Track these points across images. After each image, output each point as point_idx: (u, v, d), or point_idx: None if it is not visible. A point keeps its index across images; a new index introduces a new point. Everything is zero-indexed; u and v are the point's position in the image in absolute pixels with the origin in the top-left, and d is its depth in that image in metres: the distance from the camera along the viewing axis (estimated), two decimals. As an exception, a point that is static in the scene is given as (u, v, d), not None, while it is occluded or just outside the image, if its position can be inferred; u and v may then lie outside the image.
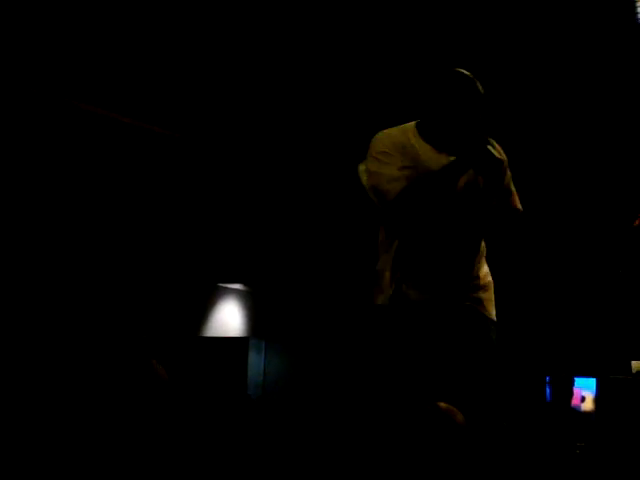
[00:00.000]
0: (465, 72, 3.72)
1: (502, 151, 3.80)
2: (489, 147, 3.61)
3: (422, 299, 3.73)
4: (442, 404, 3.46)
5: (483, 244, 3.89)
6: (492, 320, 3.81)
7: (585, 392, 6.86)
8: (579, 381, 6.77)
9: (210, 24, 8.04)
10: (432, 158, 3.70)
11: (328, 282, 10.31)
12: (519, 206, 3.86)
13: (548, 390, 6.29)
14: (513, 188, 3.86)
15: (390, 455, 3.48)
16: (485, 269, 3.88)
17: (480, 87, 3.70)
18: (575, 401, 6.39)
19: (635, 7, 8.74)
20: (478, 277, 3.82)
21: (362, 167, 3.78)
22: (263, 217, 10.13)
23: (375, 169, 3.73)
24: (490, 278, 3.88)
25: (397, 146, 3.72)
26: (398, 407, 3.73)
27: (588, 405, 6.80)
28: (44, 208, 8.26)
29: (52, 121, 8.22)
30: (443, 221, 3.74)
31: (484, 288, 3.84)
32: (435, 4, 7.78)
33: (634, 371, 6.41)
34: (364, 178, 3.77)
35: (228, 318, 10.91)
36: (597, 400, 6.38)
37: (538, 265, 9.24)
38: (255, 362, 10.00)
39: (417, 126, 3.78)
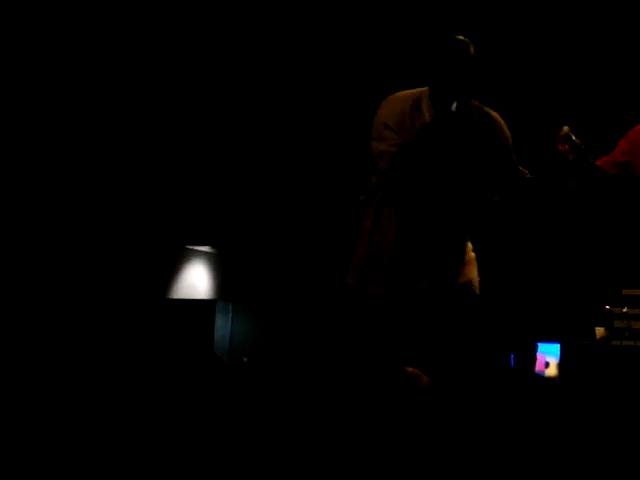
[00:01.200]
0: (457, 37, 3.72)
1: (505, 126, 3.85)
2: (483, 109, 3.63)
3: (425, 286, 3.77)
4: (409, 368, 3.49)
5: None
6: (477, 295, 3.85)
7: (549, 358, 6.93)
8: (543, 347, 6.85)
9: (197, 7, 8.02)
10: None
11: (297, 246, 10.32)
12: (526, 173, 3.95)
13: (512, 356, 6.35)
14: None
15: (356, 416, 3.51)
16: (470, 244, 3.92)
17: (471, 50, 3.69)
18: (539, 367, 6.48)
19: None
20: (466, 252, 3.86)
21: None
22: (231, 179, 10.11)
23: (374, 143, 3.75)
24: (473, 252, 3.92)
25: (398, 117, 3.73)
26: (366, 371, 3.76)
27: (552, 371, 6.88)
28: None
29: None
30: (439, 199, 3.76)
31: (470, 262, 3.87)
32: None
33: (598, 337, 6.48)
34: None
35: (196, 280, 10.91)
36: (561, 366, 6.46)
37: (502, 232, 9.30)
38: (222, 325, 10.01)
39: (428, 92, 3.80)
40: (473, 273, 3.87)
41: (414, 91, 3.82)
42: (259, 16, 8.38)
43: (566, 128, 3.73)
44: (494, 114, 3.89)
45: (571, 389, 5.93)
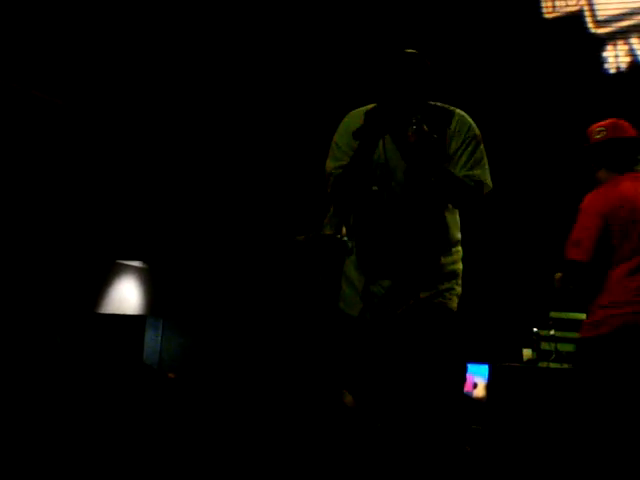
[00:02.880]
0: (405, 51, 3.67)
1: (472, 124, 3.76)
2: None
3: (383, 295, 3.69)
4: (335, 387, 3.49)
5: (453, 231, 3.81)
6: (447, 310, 3.74)
7: (477, 379, 6.98)
8: (472, 367, 6.90)
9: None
10: None
11: (227, 260, 10.28)
12: (487, 181, 3.74)
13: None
14: (481, 162, 3.74)
15: (280, 432, 3.50)
16: (452, 257, 3.79)
17: (416, 64, 3.65)
18: (467, 387, 6.52)
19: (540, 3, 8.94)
20: (441, 265, 3.74)
21: None
22: (162, 193, 10.05)
23: (326, 162, 3.75)
24: (456, 266, 3.79)
25: (347, 136, 3.67)
26: (291, 389, 3.75)
27: (480, 392, 6.93)
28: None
29: None
30: (384, 208, 3.70)
31: (445, 277, 3.75)
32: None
33: (525, 359, 6.54)
34: None
35: (126, 295, 10.80)
36: (489, 387, 6.51)
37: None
38: (152, 341, 9.94)
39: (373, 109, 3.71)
40: (445, 285, 3.74)
41: (369, 107, 3.79)
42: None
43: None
44: (456, 112, 3.79)
45: (499, 410, 5.98)
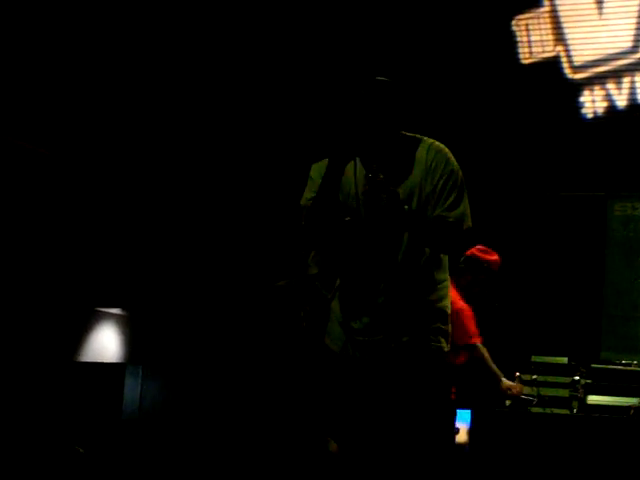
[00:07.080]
0: (375, 78, 3.59)
1: (449, 158, 3.64)
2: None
3: (367, 341, 3.60)
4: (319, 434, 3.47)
5: (440, 272, 3.68)
6: (433, 352, 3.63)
7: (459, 424, 6.93)
8: (453, 413, 6.86)
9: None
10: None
11: (207, 306, 10.25)
12: (466, 220, 3.61)
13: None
14: (460, 201, 3.60)
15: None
16: (438, 294, 3.65)
17: (387, 92, 3.56)
18: (450, 433, 6.48)
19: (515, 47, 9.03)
20: (427, 302, 3.62)
21: None
22: (144, 240, 10.02)
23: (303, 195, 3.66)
24: (442, 304, 3.66)
25: (322, 170, 3.59)
26: (273, 435, 3.72)
27: (462, 437, 6.88)
28: None
29: None
30: (359, 247, 3.61)
31: (432, 317, 3.63)
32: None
33: (507, 404, 6.52)
34: None
35: (105, 343, 10.73)
36: (471, 432, 6.48)
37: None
38: (131, 389, 9.86)
39: None
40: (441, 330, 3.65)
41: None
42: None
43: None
44: (430, 145, 3.68)
45: (481, 455, 5.95)
